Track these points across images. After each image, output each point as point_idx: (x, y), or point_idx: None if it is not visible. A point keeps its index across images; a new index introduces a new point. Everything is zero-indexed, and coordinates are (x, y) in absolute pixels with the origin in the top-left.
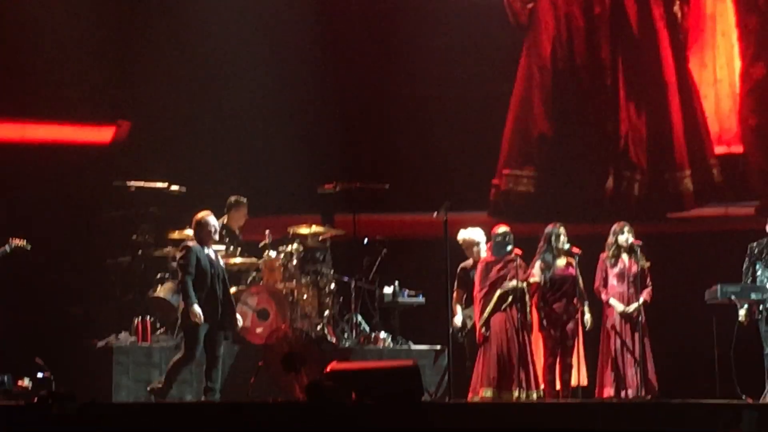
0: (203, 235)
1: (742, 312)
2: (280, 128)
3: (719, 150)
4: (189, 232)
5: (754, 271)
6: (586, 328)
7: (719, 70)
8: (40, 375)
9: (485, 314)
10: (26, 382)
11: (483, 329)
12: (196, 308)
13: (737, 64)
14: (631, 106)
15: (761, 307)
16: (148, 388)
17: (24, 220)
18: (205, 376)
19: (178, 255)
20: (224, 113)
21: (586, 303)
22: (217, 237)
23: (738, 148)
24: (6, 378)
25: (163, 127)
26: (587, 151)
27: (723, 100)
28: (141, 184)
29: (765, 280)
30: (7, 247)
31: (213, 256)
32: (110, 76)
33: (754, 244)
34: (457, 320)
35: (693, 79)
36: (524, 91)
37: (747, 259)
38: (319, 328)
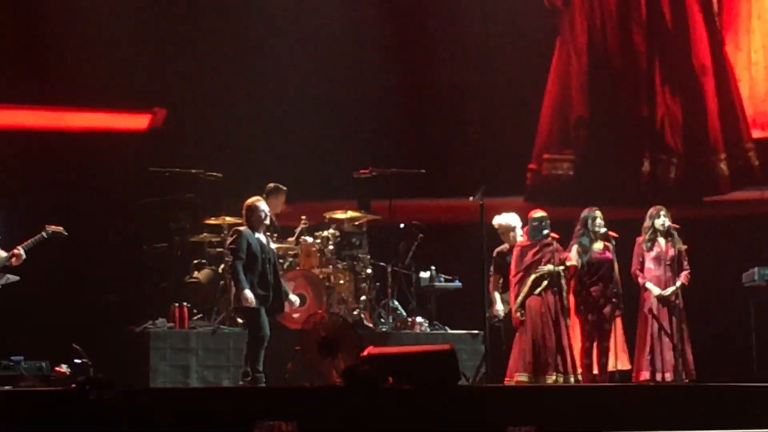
0: (254, 220)
1: None
2: (317, 114)
3: (755, 134)
4: (228, 218)
5: None
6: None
7: (754, 54)
8: (77, 361)
9: (520, 298)
10: (64, 369)
11: (518, 314)
12: (248, 293)
13: None
14: (666, 90)
15: None
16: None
17: (61, 208)
18: (250, 362)
19: (229, 240)
20: (261, 99)
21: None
22: (267, 222)
23: None
24: (44, 364)
25: (200, 114)
26: (623, 135)
27: (758, 84)
28: (177, 170)
29: None
30: (44, 233)
31: (264, 240)
32: (147, 63)
33: None
34: (499, 308)
35: (729, 62)
36: (561, 74)
37: None
38: (355, 313)
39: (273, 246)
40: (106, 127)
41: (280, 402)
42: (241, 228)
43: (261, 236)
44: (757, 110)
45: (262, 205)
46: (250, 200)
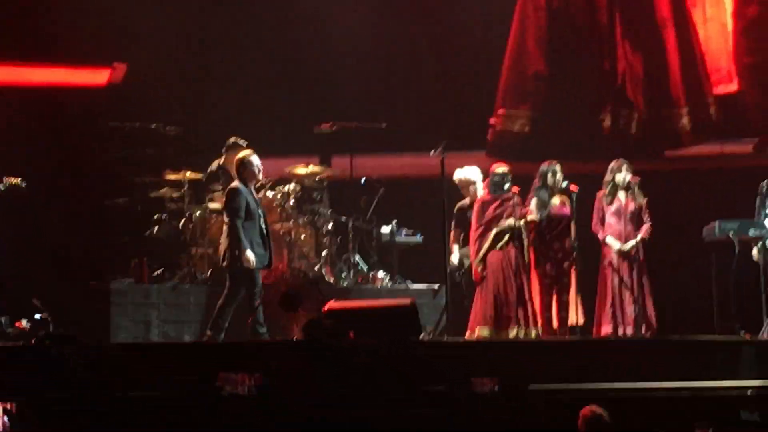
0: (247, 174)
1: (755, 251)
2: (278, 68)
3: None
4: (188, 173)
5: (766, 209)
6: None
7: (709, 9)
8: (37, 316)
9: (481, 252)
10: (24, 324)
11: (479, 268)
12: (249, 254)
13: (728, 2)
14: (626, 44)
15: (760, 244)
16: (203, 340)
17: (21, 163)
18: (254, 317)
19: (225, 198)
20: (221, 54)
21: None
22: (261, 177)
23: (729, 88)
24: (3, 320)
25: (159, 70)
26: (583, 89)
27: (713, 39)
28: (137, 125)
29: None
30: (1, 186)
31: (255, 196)
32: (107, 17)
33: (764, 182)
34: (454, 258)
35: (691, 16)
36: (519, 30)
37: (758, 197)
38: (316, 268)
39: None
40: (66, 83)
41: (240, 356)
42: (236, 185)
43: (253, 191)
44: (713, 66)
45: (255, 159)
46: (242, 154)
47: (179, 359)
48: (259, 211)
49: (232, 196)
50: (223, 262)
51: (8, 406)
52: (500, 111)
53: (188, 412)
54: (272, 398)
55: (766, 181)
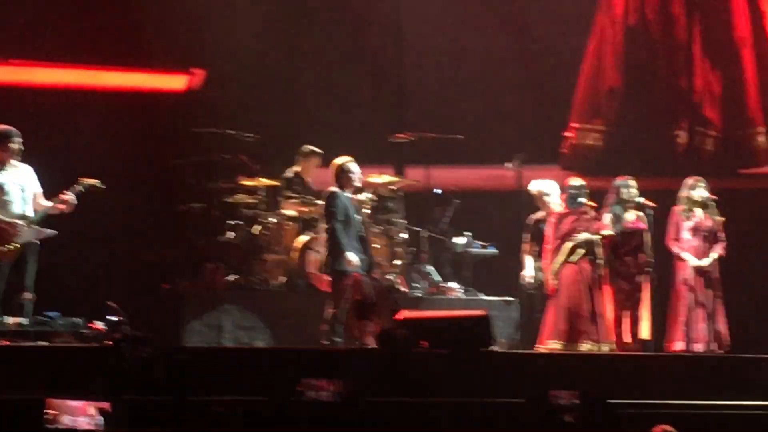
0: (345, 180)
1: None
2: (356, 77)
3: None
4: (264, 180)
5: None
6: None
7: None
8: (113, 318)
9: (555, 266)
10: (100, 325)
11: (553, 281)
12: (351, 255)
13: None
14: (705, 62)
15: None
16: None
17: (100, 166)
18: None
19: (325, 202)
20: (300, 61)
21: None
22: (359, 184)
23: None
24: (79, 321)
25: (239, 76)
26: (658, 105)
27: None
28: (215, 130)
29: None
30: (80, 186)
31: (351, 200)
32: (186, 23)
33: None
34: (527, 273)
35: None
36: (596, 44)
37: None
38: (390, 277)
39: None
40: (145, 88)
41: (313, 363)
42: (335, 189)
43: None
44: None
45: (354, 166)
46: (341, 160)
47: (251, 364)
48: (357, 216)
49: (330, 200)
50: (326, 267)
51: (104, 406)
52: (575, 125)
53: (266, 418)
54: (351, 405)
55: None
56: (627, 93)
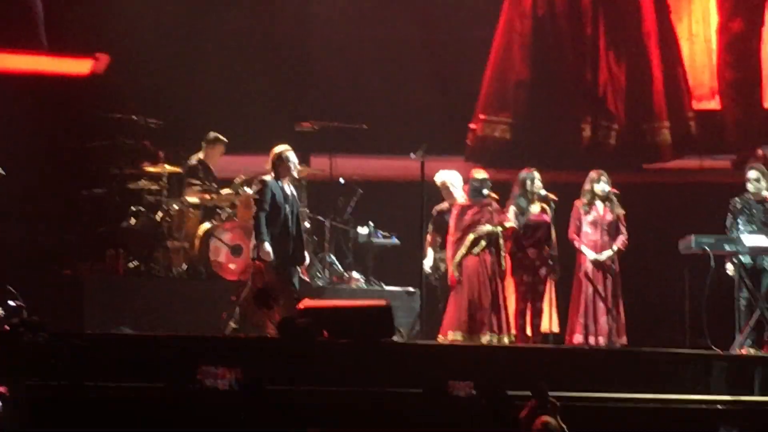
0: (282, 169)
1: (730, 266)
2: (261, 65)
3: (693, 105)
4: (167, 166)
5: (737, 226)
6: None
7: (695, 25)
8: (11, 303)
9: (457, 257)
10: None
11: (456, 272)
12: (267, 246)
13: (714, 19)
14: (610, 56)
15: (735, 259)
16: (226, 332)
17: (1, 150)
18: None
19: (254, 189)
20: (204, 49)
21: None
22: (296, 174)
23: (710, 104)
24: None
25: (143, 62)
26: (565, 99)
27: (697, 55)
28: (119, 116)
29: (747, 235)
30: None
31: (288, 191)
32: (91, 7)
33: (736, 199)
34: (427, 263)
35: (675, 31)
36: (504, 36)
37: (730, 214)
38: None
39: (296, 197)
40: (49, 71)
41: (214, 351)
42: (267, 178)
43: (286, 186)
44: (697, 81)
45: (292, 155)
46: (278, 149)
47: (151, 351)
48: (290, 208)
49: (260, 188)
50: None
51: (2, 390)
52: (481, 116)
53: (163, 405)
54: (250, 394)
55: (738, 198)
56: (534, 86)
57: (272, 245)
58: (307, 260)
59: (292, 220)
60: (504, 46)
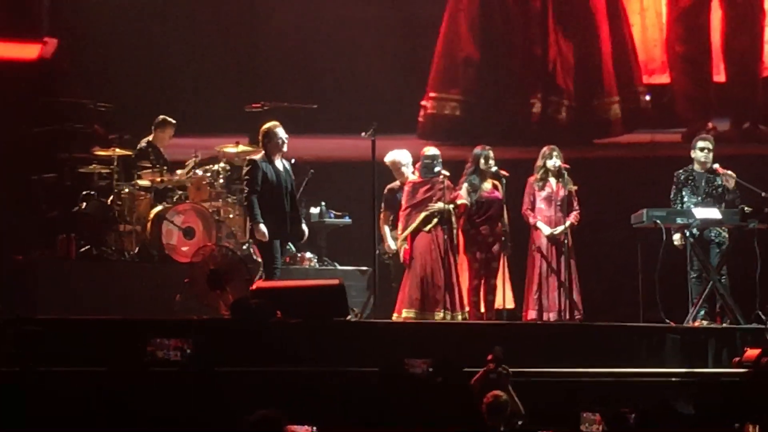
0: (271, 146)
1: (676, 236)
2: (209, 47)
3: (645, 79)
4: (118, 150)
5: (682, 198)
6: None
7: None
8: None
9: (406, 231)
10: None
11: (402, 246)
12: (262, 227)
13: None
14: (559, 31)
15: (687, 232)
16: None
17: None
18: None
19: (244, 170)
20: (153, 31)
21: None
22: (285, 149)
23: (662, 78)
24: None
25: (91, 45)
26: (514, 75)
27: (649, 29)
28: (68, 100)
29: (691, 206)
30: None
31: (282, 167)
32: None
33: (680, 171)
34: (390, 244)
35: (624, 6)
36: (453, 13)
37: (674, 186)
38: (245, 247)
39: (290, 173)
40: None
41: (167, 334)
42: (256, 157)
43: (278, 163)
44: (648, 56)
45: (280, 131)
46: (266, 125)
47: (105, 335)
48: (283, 185)
49: (248, 169)
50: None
51: None
52: (432, 94)
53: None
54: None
55: (682, 170)
56: (483, 62)
57: (268, 225)
58: (306, 234)
59: (286, 196)
60: (452, 23)
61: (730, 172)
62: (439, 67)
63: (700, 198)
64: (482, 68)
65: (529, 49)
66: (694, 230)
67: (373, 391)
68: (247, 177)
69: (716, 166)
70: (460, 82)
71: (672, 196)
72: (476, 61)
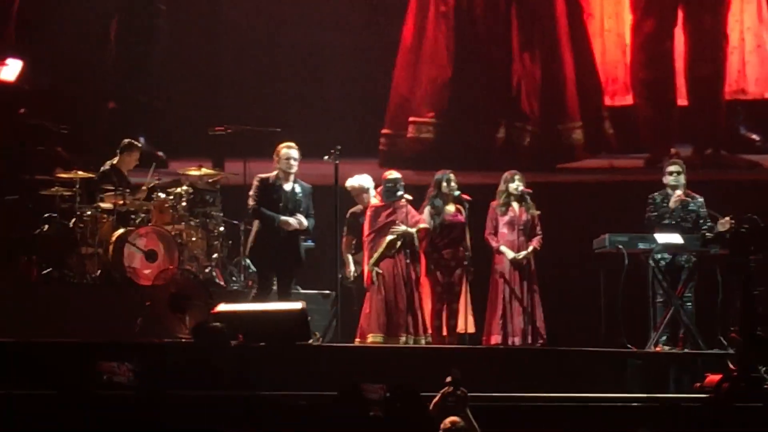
0: (278, 166)
1: (652, 263)
2: (172, 70)
3: (607, 101)
4: (80, 172)
5: (657, 221)
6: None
7: (607, 20)
8: None
9: (374, 257)
10: None
11: (373, 273)
12: (283, 218)
13: (627, 16)
14: (525, 56)
15: (651, 258)
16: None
17: None
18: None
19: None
20: (117, 55)
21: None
22: (292, 170)
23: (623, 100)
24: None
25: (56, 68)
26: (479, 100)
27: (610, 51)
28: (30, 122)
29: (659, 234)
30: None
31: (289, 188)
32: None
33: (656, 194)
34: (351, 269)
35: (588, 30)
36: (423, 37)
37: (649, 209)
38: (207, 270)
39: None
40: None
41: (128, 357)
42: (263, 175)
43: (287, 186)
44: (609, 77)
45: (287, 151)
46: (280, 145)
47: (65, 358)
48: (284, 205)
49: (255, 184)
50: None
51: None
52: (410, 119)
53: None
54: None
55: (657, 193)
56: (455, 86)
57: (259, 245)
58: (303, 258)
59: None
60: (428, 47)
61: (695, 197)
62: (401, 92)
63: (673, 221)
64: (455, 92)
65: (493, 74)
66: (664, 255)
67: (330, 415)
68: (249, 193)
69: (678, 192)
70: (431, 107)
71: (647, 218)
72: (449, 85)
